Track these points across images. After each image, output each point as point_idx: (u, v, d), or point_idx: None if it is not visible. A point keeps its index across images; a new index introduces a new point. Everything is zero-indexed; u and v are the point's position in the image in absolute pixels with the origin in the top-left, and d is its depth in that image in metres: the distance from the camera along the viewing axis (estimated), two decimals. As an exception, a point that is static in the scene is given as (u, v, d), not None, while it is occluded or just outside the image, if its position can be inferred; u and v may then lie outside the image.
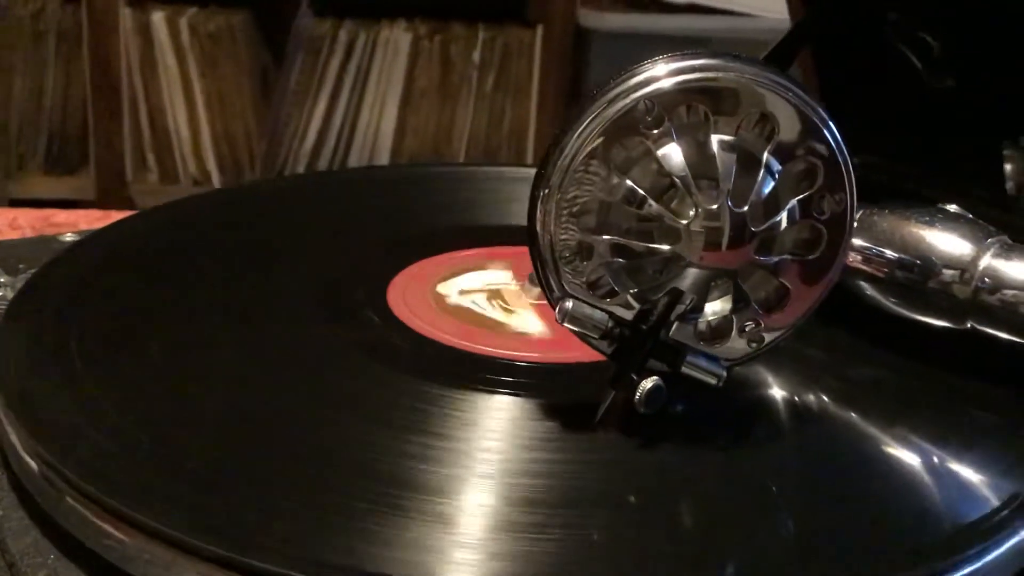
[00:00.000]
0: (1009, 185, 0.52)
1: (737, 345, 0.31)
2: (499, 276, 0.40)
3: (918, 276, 0.34)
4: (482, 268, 0.40)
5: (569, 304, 0.30)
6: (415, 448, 0.29)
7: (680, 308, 0.30)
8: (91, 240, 0.41)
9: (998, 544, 0.27)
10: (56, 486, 0.29)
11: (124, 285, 0.38)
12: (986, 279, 0.34)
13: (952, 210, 0.36)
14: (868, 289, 0.36)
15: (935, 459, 0.31)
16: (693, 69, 0.29)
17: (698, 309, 0.30)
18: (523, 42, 1.39)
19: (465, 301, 0.38)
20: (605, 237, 0.29)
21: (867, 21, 0.60)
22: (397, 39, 1.38)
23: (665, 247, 0.29)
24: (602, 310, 0.30)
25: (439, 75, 1.40)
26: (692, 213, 0.29)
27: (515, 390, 0.33)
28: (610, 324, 0.30)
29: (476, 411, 0.32)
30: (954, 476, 0.30)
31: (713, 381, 0.30)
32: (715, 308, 0.30)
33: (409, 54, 1.39)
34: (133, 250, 0.41)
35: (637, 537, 0.27)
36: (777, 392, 0.34)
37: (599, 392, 0.31)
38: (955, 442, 0.31)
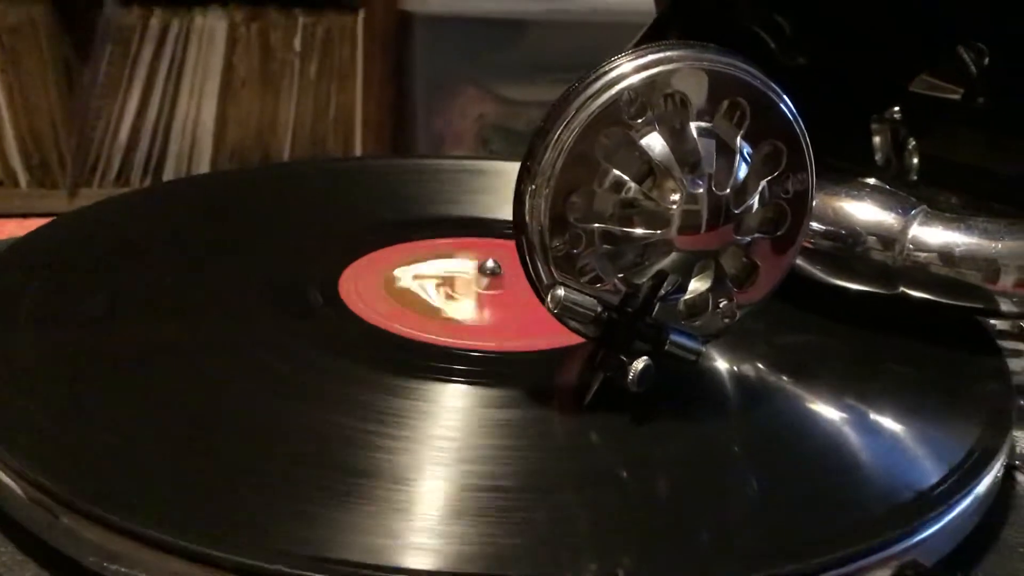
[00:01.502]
0: (878, 156, 0.56)
1: (711, 321, 0.32)
2: (460, 265, 0.40)
3: (852, 247, 0.37)
4: (447, 256, 0.41)
5: (561, 292, 0.30)
6: (370, 437, 0.30)
7: (665, 289, 0.31)
8: (18, 247, 0.39)
9: (953, 507, 0.29)
10: (47, 507, 0.27)
11: (68, 289, 0.37)
12: (911, 246, 0.36)
13: (872, 183, 0.39)
14: (798, 260, 0.38)
15: (884, 423, 0.33)
16: (660, 62, 0.31)
17: (682, 289, 0.31)
18: (345, 27, 1.37)
19: (414, 286, 0.39)
20: (596, 225, 0.30)
21: (723, 3, 0.63)
22: (212, 27, 1.34)
23: (655, 232, 0.30)
24: (590, 295, 0.31)
25: (259, 63, 1.37)
26: (675, 198, 0.30)
27: (467, 378, 0.33)
28: (599, 309, 0.31)
29: (429, 399, 0.32)
30: (908, 441, 0.32)
31: (693, 358, 0.32)
32: (693, 287, 0.32)
33: (226, 42, 1.35)
34: (67, 255, 0.40)
35: (596, 518, 0.28)
36: (721, 364, 0.35)
37: (555, 378, 0.32)
38: (901, 406, 0.34)
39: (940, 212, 0.37)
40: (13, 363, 0.33)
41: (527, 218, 0.30)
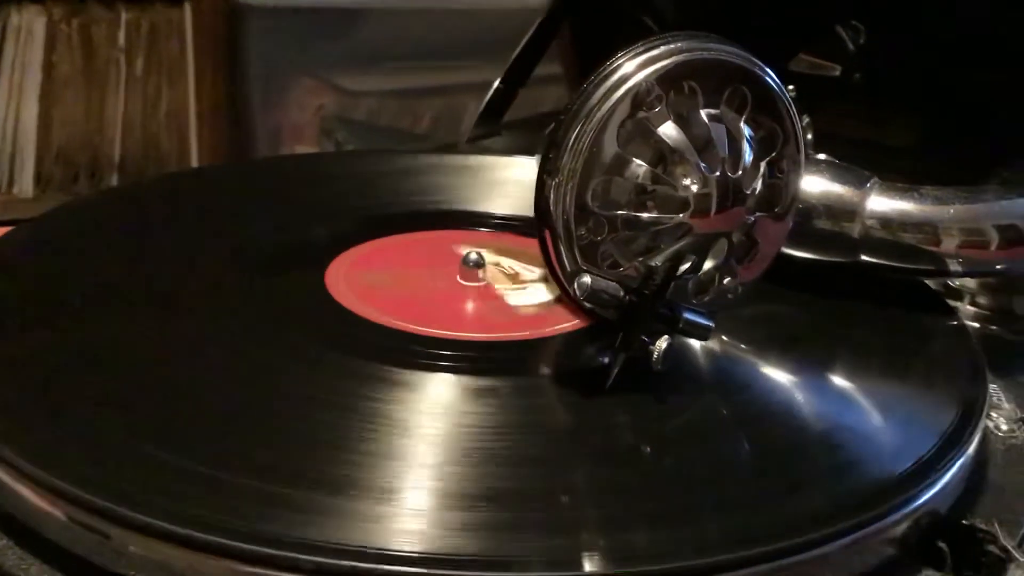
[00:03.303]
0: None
1: (716, 299, 0.34)
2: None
3: (812, 220, 0.39)
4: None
5: (587, 279, 0.31)
6: (358, 425, 0.30)
7: (683, 269, 0.32)
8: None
9: (956, 460, 0.31)
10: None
11: (53, 284, 0.37)
12: (870, 216, 0.39)
13: (823, 158, 0.41)
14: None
15: (882, 391, 0.35)
16: (669, 54, 0.32)
17: (696, 270, 0.33)
18: (171, 21, 1.33)
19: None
20: (620, 212, 0.31)
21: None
22: (30, 24, 1.28)
23: (678, 216, 0.32)
24: (613, 280, 0.32)
25: (82, 61, 1.31)
26: (689, 183, 0.32)
27: (454, 367, 0.34)
28: (622, 293, 0.32)
29: (418, 388, 0.32)
30: (906, 403, 0.34)
31: (705, 335, 0.33)
32: (704, 266, 0.33)
33: (45, 40, 1.29)
34: (50, 250, 0.39)
35: (580, 502, 0.29)
36: (706, 344, 0.36)
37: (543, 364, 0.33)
38: (888, 373, 0.35)
39: (891, 183, 0.39)
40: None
41: (552, 208, 0.31)
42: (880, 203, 0.39)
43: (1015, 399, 0.38)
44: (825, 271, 0.40)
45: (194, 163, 1.36)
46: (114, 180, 1.36)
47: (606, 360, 0.32)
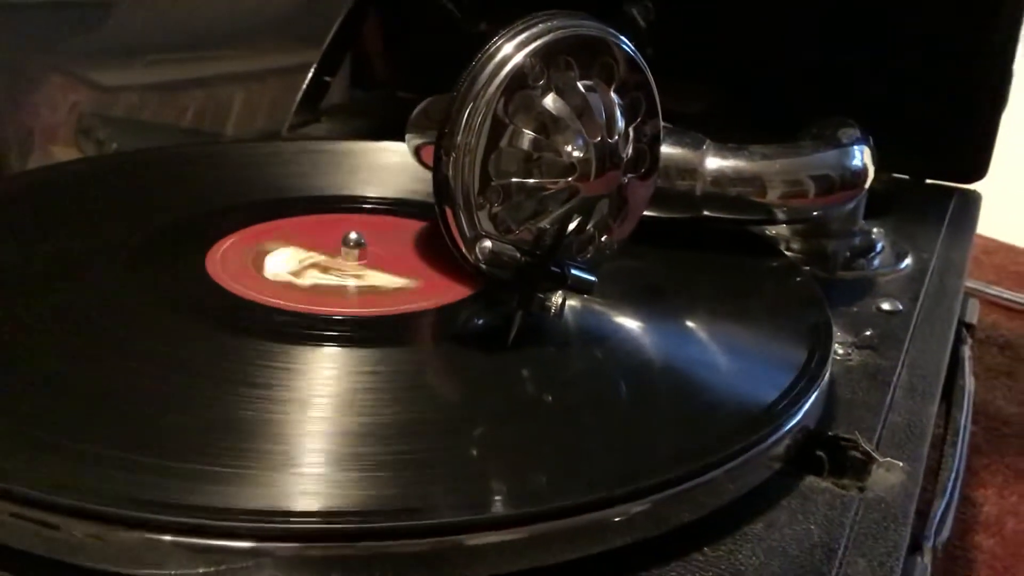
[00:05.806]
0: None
1: (595, 255, 0.37)
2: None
3: (661, 180, 0.43)
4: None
5: (488, 243, 0.33)
6: (246, 400, 0.31)
7: (570, 230, 0.35)
8: None
9: (819, 381, 0.34)
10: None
11: None
12: (708, 175, 0.43)
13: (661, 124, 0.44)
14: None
15: (742, 332, 0.38)
16: (547, 31, 0.34)
17: (581, 229, 0.36)
18: (-99, 20, 1.24)
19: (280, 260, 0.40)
20: (514, 180, 0.34)
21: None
22: None
23: (567, 180, 0.34)
24: (509, 243, 0.34)
25: None
26: (571, 149, 0.34)
27: (336, 340, 0.35)
28: (518, 255, 0.34)
29: (301, 362, 0.33)
30: (768, 338, 0.38)
31: (590, 288, 0.36)
32: (578, 226, 0.36)
33: None
34: None
35: (469, 459, 0.30)
36: (570, 302, 0.39)
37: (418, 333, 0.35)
38: (744, 313, 0.39)
39: (723, 144, 0.43)
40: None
41: (451, 181, 0.33)
42: (715, 162, 0.43)
43: (841, 327, 0.43)
44: (671, 226, 0.44)
45: (-62, 171, 1.28)
46: None
47: (479, 322, 0.34)
